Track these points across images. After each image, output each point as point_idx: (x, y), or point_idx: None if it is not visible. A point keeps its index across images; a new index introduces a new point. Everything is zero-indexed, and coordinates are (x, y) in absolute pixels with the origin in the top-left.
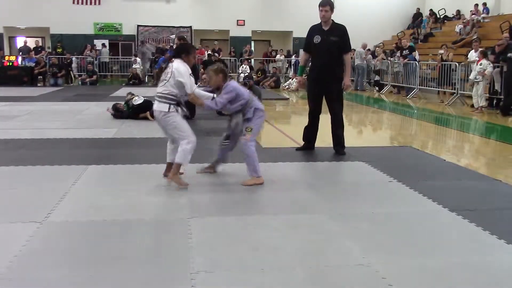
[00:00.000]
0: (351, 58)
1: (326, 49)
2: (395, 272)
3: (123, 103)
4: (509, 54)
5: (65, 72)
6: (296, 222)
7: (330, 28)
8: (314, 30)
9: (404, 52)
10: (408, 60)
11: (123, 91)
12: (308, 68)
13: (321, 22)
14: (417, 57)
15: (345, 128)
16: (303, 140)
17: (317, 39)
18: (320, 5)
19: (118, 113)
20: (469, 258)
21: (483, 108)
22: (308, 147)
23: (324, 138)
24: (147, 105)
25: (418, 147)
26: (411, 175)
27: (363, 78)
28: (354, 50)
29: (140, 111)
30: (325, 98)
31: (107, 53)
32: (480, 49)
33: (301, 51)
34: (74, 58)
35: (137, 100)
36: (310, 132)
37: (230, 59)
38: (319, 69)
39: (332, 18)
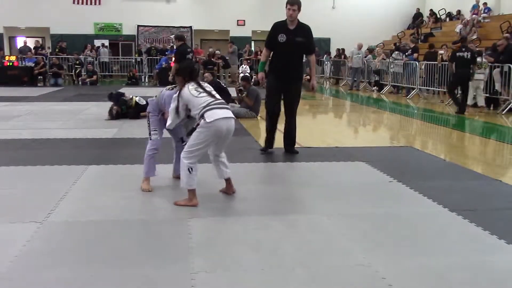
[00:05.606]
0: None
1: (291, 49)
2: (395, 272)
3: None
4: (457, 53)
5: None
6: (296, 222)
7: (296, 27)
8: (279, 28)
9: (408, 52)
10: (408, 60)
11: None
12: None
13: (286, 20)
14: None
15: (344, 127)
16: (265, 144)
17: (282, 37)
18: (288, 3)
19: (113, 116)
20: (469, 258)
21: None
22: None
23: (323, 138)
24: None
25: (418, 147)
26: (411, 175)
27: (353, 78)
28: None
29: (142, 110)
30: (284, 98)
31: (106, 53)
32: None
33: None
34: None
35: (142, 101)
36: (272, 135)
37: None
38: (282, 68)
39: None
